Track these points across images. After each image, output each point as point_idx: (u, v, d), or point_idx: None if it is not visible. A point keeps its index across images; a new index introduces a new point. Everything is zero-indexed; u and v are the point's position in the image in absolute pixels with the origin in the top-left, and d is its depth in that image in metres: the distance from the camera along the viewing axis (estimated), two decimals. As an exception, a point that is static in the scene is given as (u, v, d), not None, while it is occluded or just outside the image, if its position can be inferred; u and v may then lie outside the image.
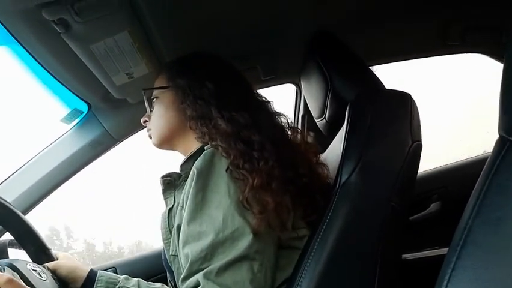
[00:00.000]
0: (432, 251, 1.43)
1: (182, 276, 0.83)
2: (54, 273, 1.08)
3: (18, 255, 1.19)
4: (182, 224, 0.86)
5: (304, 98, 1.67)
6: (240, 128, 0.92)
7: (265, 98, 1.07)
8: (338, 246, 0.86)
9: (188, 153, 1.00)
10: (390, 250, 0.91)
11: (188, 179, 0.88)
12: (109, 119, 1.46)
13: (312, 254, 0.85)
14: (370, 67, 1.20)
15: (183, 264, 0.84)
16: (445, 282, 0.45)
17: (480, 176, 0.50)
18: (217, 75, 1.02)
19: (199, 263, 0.80)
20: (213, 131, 0.93)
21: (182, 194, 0.90)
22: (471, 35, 1.59)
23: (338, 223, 0.87)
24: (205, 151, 0.89)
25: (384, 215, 0.90)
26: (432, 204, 1.66)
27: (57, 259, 1.14)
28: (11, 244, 1.24)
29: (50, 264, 1.09)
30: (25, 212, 1.35)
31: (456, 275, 0.45)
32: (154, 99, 1.09)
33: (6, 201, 1.06)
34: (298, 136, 1.04)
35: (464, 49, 1.74)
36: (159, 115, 1.07)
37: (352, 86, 1.11)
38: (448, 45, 1.64)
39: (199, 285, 0.78)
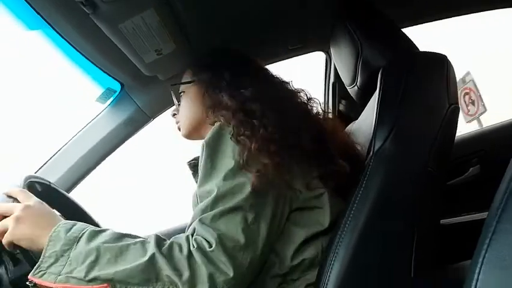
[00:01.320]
0: (471, 215, 1.40)
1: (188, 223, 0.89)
2: None
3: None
4: (197, 189, 0.91)
5: (335, 65, 1.63)
6: (244, 100, 0.97)
7: (281, 78, 1.11)
8: (375, 212, 0.86)
9: None
10: (428, 216, 0.90)
11: (199, 152, 0.93)
12: (141, 97, 1.49)
13: (349, 221, 0.85)
14: (403, 29, 1.15)
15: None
16: (485, 246, 0.44)
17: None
18: (235, 69, 1.07)
19: (199, 214, 0.84)
20: (220, 107, 0.99)
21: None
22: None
23: (373, 190, 0.87)
24: (214, 125, 0.94)
25: (421, 181, 0.89)
26: (471, 168, 1.61)
27: None
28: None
29: None
30: (67, 191, 1.41)
31: (497, 238, 0.44)
32: (182, 94, 1.17)
33: (54, 184, 1.12)
34: (317, 108, 1.07)
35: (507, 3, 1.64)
36: (186, 108, 1.15)
37: (384, 51, 1.08)
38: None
39: (194, 230, 0.83)
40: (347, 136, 1.07)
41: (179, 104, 1.19)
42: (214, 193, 0.84)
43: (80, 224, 0.84)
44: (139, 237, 0.84)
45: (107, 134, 1.46)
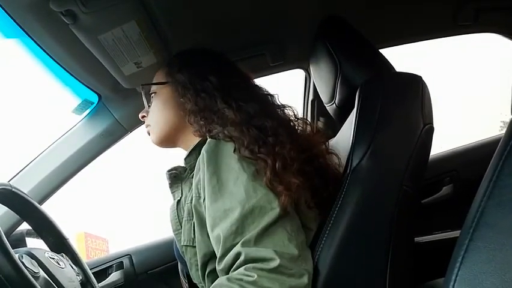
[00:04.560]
0: (445, 233, 1.43)
1: (218, 256, 0.82)
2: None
3: (36, 244, 1.22)
4: (206, 210, 0.86)
5: (314, 83, 1.66)
6: (250, 116, 0.92)
7: (268, 92, 1.07)
8: (350, 230, 0.86)
9: (191, 147, 1.00)
10: (402, 233, 0.91)
11: (199, 163, 0.89)
12: (119, 109, 1.47)
13: (325, 238, 0.86)
14: (381, 50, 1.18)
15: (215, 247, 0.83)
16: (458, 264, 0.45)
17: (493, 157, 0.49)
18: (220, 70, 1.02)
19: (232, 238, 0.79)
20: (216, 121, 0.93)
21: (196, 182, 0.91)
22: (484, 15, 1.55)
23: (350, 207, 0.88)
24: (208, 140, 0.90)
25: (396, 199, 0.90)
26: (444, 187, 1.64)
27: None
28: (28, 234, 1.27)
29: None
30: (40, 202, 1.37)
31: (469, 256, 0.45)
32: (153, 95, 1.09)
33: (22, 192, 1.09)
34: (306, 127, 1.04)
35: (476, 29, 1.70)
36: (157, 111, 1.07)
37: (362, 70, 1.10)
38: (459, 25, 1.60)
39: (239, 256, 0.77)
40: (335, 158, 1.01)
41: (149, 106, 1.10)
42: (238, 210, 0.79)
43: None
44: None
45: (83, 146, 1.44)
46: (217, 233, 0.81)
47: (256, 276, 0.73)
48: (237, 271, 0.76)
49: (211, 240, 0.85)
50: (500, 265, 0.43)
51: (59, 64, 1.19)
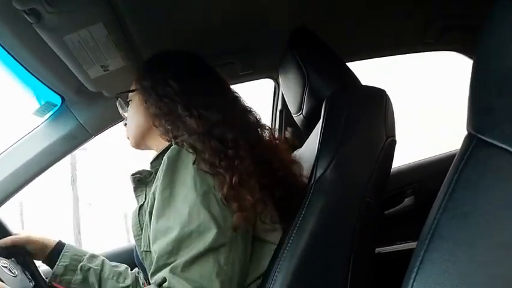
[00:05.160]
0: (406, 244, 1.46)
1: (150, 271, 0.83)
2: (24, 248, 1.08)
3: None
4: (151, 222, 0.86)
5: (282, 93, 1.67)
6: (211, 125, 0.91)
7: (237, 94, 1.06)
8: (313, 240, 0.87)
9: (159, 151, 0.99)
10: (364, 244, 0.92)
11: (159, 169, 0.88)
12: (83, 113, 1.43)
13: (287, 247, 0.86)
14: (348, 63, 1.21)
15: (153, 260, 0.84)
16: (413, 275, 0.46)
17: (449, 171, 0.51)
18: (184, 73, 1.01)
19: (165, 258, 0.80)
20: (182, 128, 0.92)
21: (154, 189, 0.90)
22: (448, 33, 1.62)
23: (313, 217, 0.88)
24: (172, 146, 0.89)
25: (359, 211, 0.91)
26: (406, 199, 1.69)
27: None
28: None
29: (22, 239, 1.09)
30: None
31: (423, 267, 0.46)
32: (129, 102, 1.11)
33: None
34: (268, 133, 1.04)
35: (439, 47, 1.77)
36: (131, 116, 1.10)
37: (329, 82, 1.12)
38: (424, 42, 1.66)
39: (165, 280, 0.78)
40: (299, 168, 1.02)
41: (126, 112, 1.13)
42: (177, 231, 0.79)
43: None
44: None
45: (43, 149, 1.38)
46: (155, 248, 0.82)
47: None
48: None
49: (152, 252, 0.86)
50: (454, 276, 0.44)
51: (21, 64, 1.15)
